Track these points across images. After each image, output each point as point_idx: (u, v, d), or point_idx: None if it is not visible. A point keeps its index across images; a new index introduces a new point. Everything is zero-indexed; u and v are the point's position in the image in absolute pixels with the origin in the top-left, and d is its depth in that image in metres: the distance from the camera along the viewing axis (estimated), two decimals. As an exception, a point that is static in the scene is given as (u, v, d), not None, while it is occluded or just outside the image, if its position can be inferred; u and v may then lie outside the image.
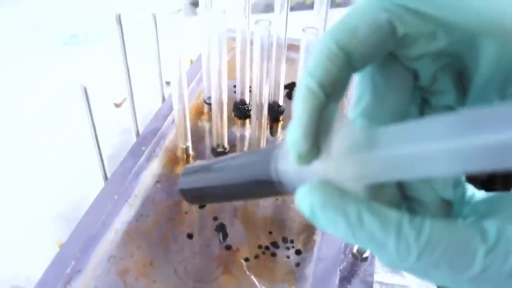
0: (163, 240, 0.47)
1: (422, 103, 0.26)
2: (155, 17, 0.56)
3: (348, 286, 0.47)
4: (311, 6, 0.95)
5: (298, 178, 0.24)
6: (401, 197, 0.25)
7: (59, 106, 0.77)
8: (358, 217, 0.20)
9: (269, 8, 0.93)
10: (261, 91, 0.48)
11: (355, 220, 0.20)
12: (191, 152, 0.55)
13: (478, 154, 0.17)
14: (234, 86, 0.61)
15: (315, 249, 0.47)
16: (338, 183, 0.21)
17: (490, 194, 0.24)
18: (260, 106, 0.49)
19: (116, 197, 0.49)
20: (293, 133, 0.22)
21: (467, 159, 0.18)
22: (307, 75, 0.22)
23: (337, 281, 0.43)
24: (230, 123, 0.58)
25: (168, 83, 0.67)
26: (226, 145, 0.53)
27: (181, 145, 0.54)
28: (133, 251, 0.46)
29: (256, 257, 0.46)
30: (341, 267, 0.46)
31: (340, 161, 0.21)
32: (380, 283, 0.55)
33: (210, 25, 0.52)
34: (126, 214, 0.50)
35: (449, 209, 0.25)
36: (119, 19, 0.50)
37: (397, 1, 0.22)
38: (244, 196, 0.34)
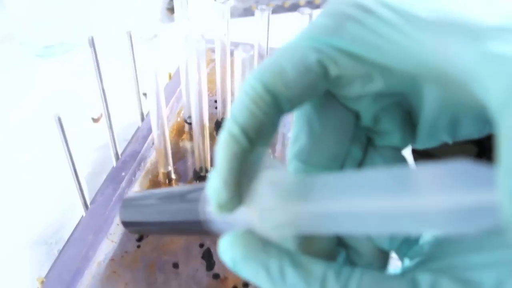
0: (149, 271, 0.46)
1: (367, 142, 0.25)
2: (130, 35, 0.54)
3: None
4: (290, 9, 0.94)
5: (223, 223, 0.23)
6: (339, 243, 0.24)
7: (34, 123, 0.74)
8: (280, 271, 0.19)
9: (248, 12, 0.91)
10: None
11: (276, 274, 0.19)
12: (173, 176, 0.53)
13: (409, 217, 0.17)
14: (215, 101, 0.60)
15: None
16: (264, 232, 0.21)
17: (431, 243, 0.22)
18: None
19: (96, 228, 0.48)
20: (213, 181, 0.21)
21: (397, 220, 0.17)
22: (230, 119, 0.21)
23: None
24: (212, 141, 0.56)
25: (145, 94, 0.65)
26: (209, 168, 0.51)
27: (162, 170, 0.52)
28: (118, 285, 0.44)
29: (245, 285, 0.45)
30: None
31: (266, 209, 0.20)
32: None
33: (187, 42, 0.50)
34: (108, 245, 0.48)
35: (385, 259, 0.24)
36: (92, 42, 0.48)
37: (328, 42, 0.21)
38: (179, 233, 0.33)
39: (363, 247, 0.24)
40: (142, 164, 0.55)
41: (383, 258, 0.24)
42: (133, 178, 0.53)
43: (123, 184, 0.51)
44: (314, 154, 0.23)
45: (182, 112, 0.62)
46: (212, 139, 0.56)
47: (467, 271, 0.18)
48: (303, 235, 0.22)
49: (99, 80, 0.49)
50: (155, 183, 0.53)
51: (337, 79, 0.21)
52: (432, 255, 0.21)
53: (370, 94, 0.22)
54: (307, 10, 0.47)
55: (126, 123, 0.65)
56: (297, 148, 0.24)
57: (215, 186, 0.20)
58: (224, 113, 0.57)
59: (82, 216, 0.49)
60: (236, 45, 0.46)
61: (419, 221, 0.16)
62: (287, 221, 0.20)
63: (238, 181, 0.20)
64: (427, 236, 0.22)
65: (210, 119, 0.51)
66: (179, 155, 0.56)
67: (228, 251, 0.20)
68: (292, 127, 0.24)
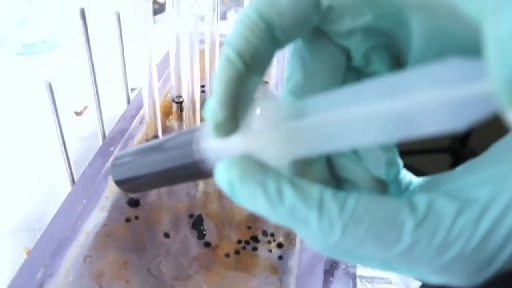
0: (139, 241, 0.45)
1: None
2: (118, 15, 0.54)
3: (331, 279, 0.46)
4: None
5: (219, 155, 0.23)
6: (332, 178, 0.24)
7: (16, 116, 0.73)
8: (278, 190, 0.19)
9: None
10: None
11: (274, 194, 0.19)
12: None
13: (396, 119, 0.17)
14: (202, 86, 0.60)
15: (297, 241, 0.46)
16: (260, 159, 0.20)
17: (428, 177, 0.23)
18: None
19: (85, 199, 0.47)
20: (210, 102, 0.21)
21: (392, 124, 0.17)
22: (226, 46, 0.21)
23: (322, 272, 0.42)
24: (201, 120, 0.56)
25: (133, 89, 0.65)
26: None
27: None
28: (107, 255, 0.44)
29: (237, 252, 0.45)
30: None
31: (261, 135, 0.20)
32: (361, 277, 0.54)
33: (181, 24, 0.51)
34: (97, 217, 0.47)
35: (383, 190, 0.24)
36: (83, 14, 0.48)
37: None
38: (175, 181, 0.33)
39: (359, 177, 0.24)
40: (130, 141, 0.54)
41: (381, 190, 0.24)
42: (121, 154, 0.53)
43: (112, 158, 0.51)
44: (307, 90, 0.24)
45: (169, 94, 0.62)
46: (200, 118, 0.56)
47: (462, 191, 0.18)
48: (299, 164, 0.22)
49: (89, 55, 0.49)
50: (143, 159, 0.53)
51: (328, 11, 0.22)
52: (426, 184, 0.22)
53: (360, 29, 0.23)
54: None
55: (109, 116, 0.65)
56: (292, 84, 0.24)
57: (211, 107, 0.20)
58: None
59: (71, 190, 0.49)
60: (224, 36, 0.48)
61: (415, 121, 0.16)
62: (283, 145, 0.20)
63: (234, 103, 0.21)
64: None
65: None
66: (166, 134, 0.56)
67: (224, 173, 0.20)
68: (286, 65, 0.25)
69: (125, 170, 0.31)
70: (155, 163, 0.28)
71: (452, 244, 0.18)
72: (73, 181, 0.49)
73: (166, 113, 0.59)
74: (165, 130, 0.56)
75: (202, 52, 0.48)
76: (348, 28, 0.22)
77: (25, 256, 0.43)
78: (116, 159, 0.32)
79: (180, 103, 0.58)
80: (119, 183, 0.32)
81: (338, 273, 0.46)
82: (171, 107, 0.60)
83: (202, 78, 0.58)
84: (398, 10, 0.22)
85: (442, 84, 0.16)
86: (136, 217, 0.47)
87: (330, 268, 0.46)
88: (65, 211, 0.46)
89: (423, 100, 0.16)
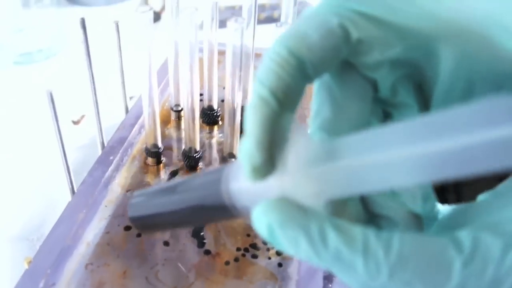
0: (139, 250, 0.45)
1: (384, 116, 0.25)
2: (117, 25, 0.55)
3: (330, 285, 0.46)
4: (279, 19, 0.96)
5: (252, 197, 0.22)
6: (367, 215, 0.23)
7: (13, 125, 0.73)
8: (321, 234, 0.18)
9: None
10: (234, 98, 0.48)
11: (318, 239, 0.18)
12: (162, 158, 0.54)
13: (440, 160, 0.16)
14: (201, 94, 0.61)
15: (296, 248, 0.46)
16: (297, 200, 0.20)
17: (455, 206, 0.22)
18: (233, 112, 0.49)
19: (85, 208, 0.47)
20: (246, 144, 0.20)
21: (429, 166, 0.16)
22: (257, 84, 0.21)
23: (322, 278, 0.43)
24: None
25: (131, 98, 0.66)
26: (197, 148, 0.52)
27: (153, 150, 0.52)
28: (108, 263, 0.44)
29: (236, 260, 0.45)
30: (322, 266, 0.45)
31: (298, 176, 0.20)
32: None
33: (180, 33, 0.52)
34: (96, 226, 0.47)
35: (419, 224, 0.23)
36: (83, 24, 0.48)
37: (348, 6, 0.22)
38: (198, 222, 0.31)
39: (395, 213, 0.23)
40: (129, 150, 0.55)
41: (417, 224, 0.23)
42: (120, 163, 0.53)
43: (112, 167, 0.51)
44: (337, 125, 0.23)
45: (167, 103, 0.62)
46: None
47: (504, 225, 0.18)
48: (334, 203, 0.21)
49: (89, 63, 0.50)
50: (143, 168, 0.54)
51: (358, 44, 0.22)
52: (458, 215, 0.21)
53: (388, 61, 0.23)
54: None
55: (107, 125, 0.65)
56: (320, 119, 0.23)
57: (248, 149, 0.20)
58: (210, 100, 0.58)
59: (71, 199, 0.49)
60: (223, 45, 0.49)
61: (465, 160, 0.16)
62: (319, 186, 0.19)
63: (271, 144, 0.20)
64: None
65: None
66: (165, 143, 0.56)
67: (263, 217, 0.19)
68: (313, 100, 0.24)
69: (144, 207, 0.29)
70: (178, 202, 0.27)
71: (503, 280, 0.17)
72: (72, 190, 0.50)
73: (165, 122, 0.59)
74: (164, 138, 0.57)
75: (200, 60, 0.48)
76: (376, 60, 0.22)
77: (26, 266, 0.43)
78: (135, 195, 0.30)
79: (178, 112, 0.59)
80: (135, 220, 0.30)
81: (337, 280, 0.46)
82: (169, 115, 0.60)
83: (201, 86, 0.59)
84: (427, 40, 0.22)
85: (496, 123, 0.15)
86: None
87: (329, 275, 0.47)
88: (65, 220, 0.46)
89: (478, 139, 0.15)
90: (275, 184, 0.20)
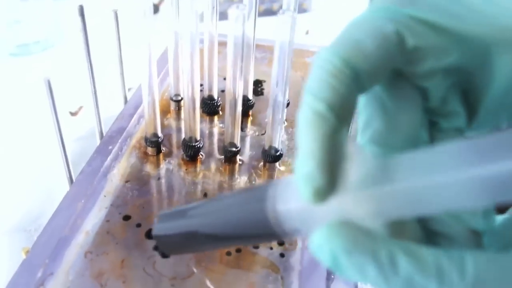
0: (139, 240, 0.45)
1: (431, 126, 0.23)
2: (116, 14, 0.54)
3: (333, 276, 0.46)
4: (279, 12, 0.96)
5: (306, 220, 0.20)
6: (423, 232, 0.22)
7: (10, 116, 0.73)
8: (391, 260, 0.17)
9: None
10: (235, 88, 0.47)
11: (387, 265, 0.17)
12: (162, 148, 0.53)
13: (502, 181, 0.15)
14: (201, 85, 0.60)
15: (299, 239, 0.46)
16: (356, 222, 0.18)
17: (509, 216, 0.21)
18: (234, 102, 0.48)
19: (84, 198, 0.47)
20: (305, 165, 0.18)
21: (493, 188, 0.16)
22: (310, 97, 0.19)
23: (325, 269, 0.42)
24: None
25: (129, 89, 0.65)
26: (198, 137, 0.51)
27: (153, 139, 0.52)
28: (108, 253, 0.43)
29: (238, 250, 0.45)
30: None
31: (359, 197, 0.18)
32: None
33: (180, 23, 0.51)
34: (96, 215, 0.47)
35: (479, 240, 0.22)
36: (81, 12, 0.48)
37: (405, 11, 0.20)
38: (235, 243, 0.29)
39: (455, 231, 0.22)
40: (128, 140, 0.54)
41: (477, 240, 0.22)
42: (119, 152, 0.52)
43: (111, 157, 0.51)
44: (390, 138, 0.22)
45: (166, 93, 0.62)
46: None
47: None
48: (392, 225, 0.19)
49: (87, 53, 0.49)
50: (142, 158, 0.53)
51: (413, 52, 0.20)
52: None
53: (442, 69, 0.21)
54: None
55: (105, 117, 0.64)
56: (371, 131, 0.22)
57: (308, 171, 0.18)
58: (210, 90, 0.57)
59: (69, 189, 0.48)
60: (222, 36, 0.48)
61: None
62: (380, 207, 0.18)
63: (333, 164, 0.18)
64: None
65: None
66: (165, 133, 0.55)
67: (326, 245, 0.18)
68: (361, 113, 0.23)
69: (173, 226, 0.27)
70: (213, 222, 0.25)
71: None
72: (71, 180, 0.49)
73: (164, 112, 0.58)
74: (163, 128, 0.56)
75: (200, 51, 0.48)
76: (430, 69, 0.21)
77: (23, 256, 0.43)
78: (162, 214, 0.28)
79: (178, 102, 0.58)
80: (161, 240, 0.28)
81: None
82: (169, 106, 0.60)
83: (201, 77, 0.58)
84: (485, 47, 0.21)
85: None
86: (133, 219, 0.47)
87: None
88: (64, 210, 0.45)
89: None
90: (333, 205, 0.19)
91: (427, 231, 0.22)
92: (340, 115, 0.19)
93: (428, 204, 0.18)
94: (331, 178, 0.18)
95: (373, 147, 0.22)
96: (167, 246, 0.29)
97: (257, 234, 0.23)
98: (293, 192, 0.20)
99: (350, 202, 0.18)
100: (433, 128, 0.23)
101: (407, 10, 0.20)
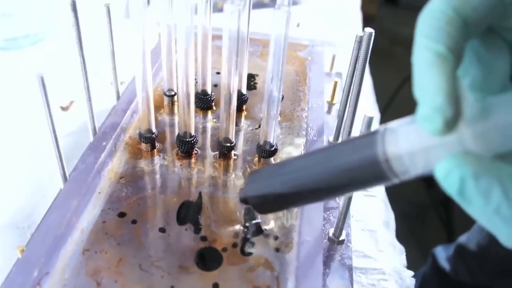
0: (135, 236, 0.44)
1: None
2: (108, 8, 0.53)
3: (328, 271, 0.46)
4: (270, 5, 0.96)
5: (422, 156, 0.22)
6: None
7: (0, 112, 0.72)
8: None
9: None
10: (230, 82, 0.47)
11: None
12: (157, 144, 0.53)
13: None
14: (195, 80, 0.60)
15: (294, 233, 0.46)
16: (475, 152, 0.20)
17: None
18: (229, 97, 0.48)
19: (79, 195, 0.46)
20: (435, 99, 0.20)
21: None
22: (429, 41, 0.21)
23: (322, 263, 0.42)
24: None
25: (121, 83, 0.65)
26: (192, 133, 0.51)
27: (147, 135, 0.51)
28: (104, 250, 0.43)
29: (234, 246, 0.45)
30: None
31: (478, 130, 0.20)
32: (355, 268, 0.55)
33: (174, 15, 0.50)
34: (90, 213, 0.46)
35: None
36: (74, 7, 0.47)
37: None
38: (341, 192, 0.29)
39: None
40: (122, 135, 0.54)
41: None
42: (113, 148, 0.52)
43: (105, 153, 0.50)
44: (487, 85, 0.24)
45: (159, 88, 0.61)
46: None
47: None
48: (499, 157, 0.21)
49: (80, 47, 0.48)
50: (136, 154, 0.53)
51: (509, 5, 0.22)
52: None
53: None
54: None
55: (97, 111, 0.64)
56: (470, 79, 0.24)
57: (439, 103, 0.20)
58: (204, 84, 0.57)
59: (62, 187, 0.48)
60: (216, 30, 0.48)
61: None
62: (496, 140, 0.20)
63: (457, 98, 0.20)
64: None
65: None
66: (158, 128, 0.55)
67: (455, 171, 0.20)
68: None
69: (268, 185, 0.27)
70: (315, 173, 0.26)
71: None
72: (65, 177, 0.48)
73: (157, 107, 0.58)
74: (157, 124, 0.56)
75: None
76: None
77: (18, 254, 0.42)
78: (253, 174, 0.28)
79: (171, 97, 0.58)
80: (253, 200, 0.28)
81: (334, 265, 0.46)
82: (162, 101, 0.59)
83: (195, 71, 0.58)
84: None
85: None
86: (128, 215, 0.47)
87: (327, 260, 0.46)
88: (59, 207, 0.45)
89: None
90: (455, 138, 0.21)
91: None
92: (458, 57, 0.21)
93: None
94: (458, 111, 0.20)
95: (474, 93, 0.24)
96: (261, 206, 0.29)
97: (364, 180, 0.24)
98: (406, 133, 0.22)
99: (469, 135, 0.20)
100: None
101: None
